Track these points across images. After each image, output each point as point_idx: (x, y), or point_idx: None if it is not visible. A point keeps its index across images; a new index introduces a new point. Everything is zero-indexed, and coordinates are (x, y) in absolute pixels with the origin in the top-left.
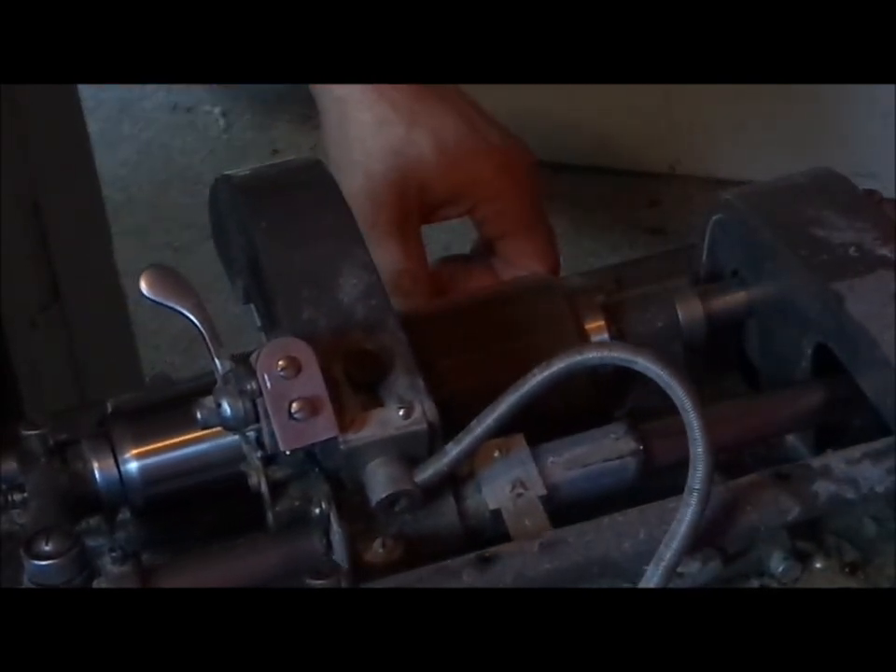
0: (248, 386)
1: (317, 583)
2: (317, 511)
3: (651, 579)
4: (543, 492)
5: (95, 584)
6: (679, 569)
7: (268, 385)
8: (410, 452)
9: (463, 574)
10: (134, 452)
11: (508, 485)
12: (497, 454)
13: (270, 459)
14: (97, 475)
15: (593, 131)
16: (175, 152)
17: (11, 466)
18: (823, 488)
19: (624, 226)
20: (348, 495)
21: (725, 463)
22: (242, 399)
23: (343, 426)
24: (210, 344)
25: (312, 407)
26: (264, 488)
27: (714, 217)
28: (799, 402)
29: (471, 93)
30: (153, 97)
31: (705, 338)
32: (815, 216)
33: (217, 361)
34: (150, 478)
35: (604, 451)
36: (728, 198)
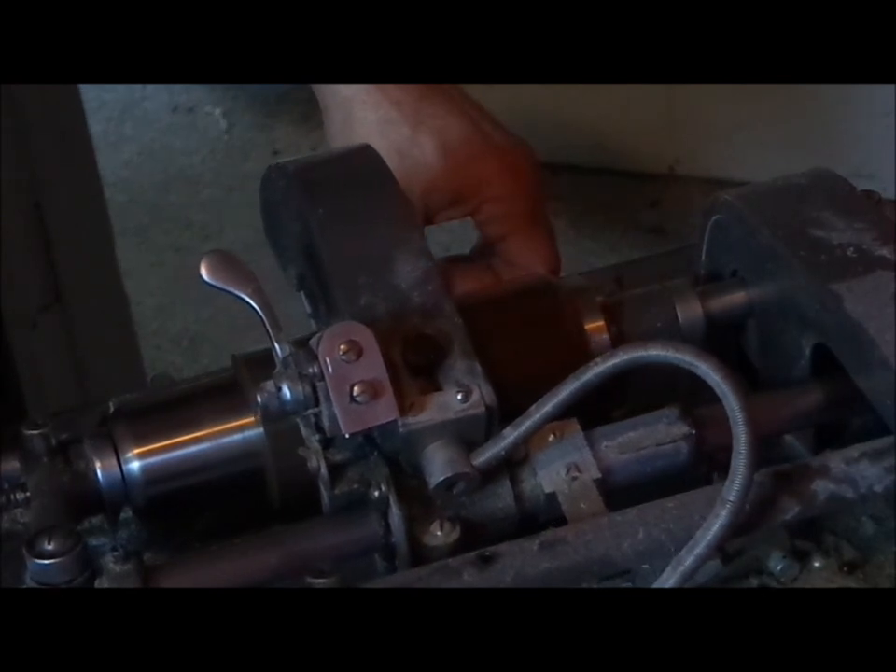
0: (309, 370)
1: (317, 583)
2: (376, 493)
3: (668, 581)
4: (598, 475)
5: (97, 584)
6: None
7: (329, 368)
8: (467, 435)
9: (463, 574)
10: (136, 451)
11: (563, 469)
12: (551, 437)
13: (327, 443)
14: (99, 474)
15: (593, 131)
16: (177, 153)
17: (13, 465)
18: (822, 487)
19: (624, 226)
20: (405, 478)
21: (724, 462)
22: (302, 383)
23: (403, 409)
24: (270, 329)
25: (373, 390)
26: (324, 471)
27: (713, 217)
28: (798, 402)
29: (471, 93)
30: (155, 98)
31: (704, 338)
32: (814, 216)
33: (276, 346)
34: (152, 477)
35: (657, 435)
36: (728, 198)
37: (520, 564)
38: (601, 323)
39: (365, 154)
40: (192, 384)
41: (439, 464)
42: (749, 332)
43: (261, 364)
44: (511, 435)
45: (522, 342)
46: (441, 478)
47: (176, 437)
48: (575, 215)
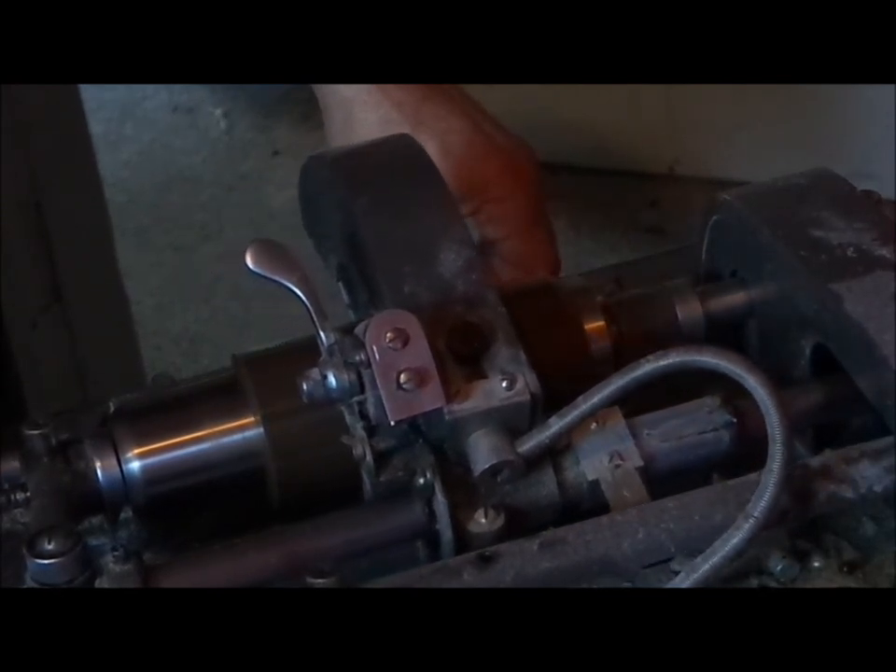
0: (355, 358)
1: (317, 583)
2: (421, 481)
3: (680, 585)
4: (640, 463)
5: (97, 584)
6: (679, 569)
7: (376, 356)
8: (512, 423)
9: (463, 574)
10: (137, 451)
11: (606, 457)
12: (593, 426)
13: (372, 430)
14: (99, 474)
15: (593, 131)
16: (177, 153)
17: (14, 465)
18: (822, 487)
19: (624, 226)
20: (450, 465)
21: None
22: (347, 371)
23: (448, 396)
24: (315, 318)
25: (419, 378)
26: (369, 458)
27: (713, 217)
28: (798, 402)
29: (471, 93)
30: (155, 98)
31: (704, 338)
32: (814, 216)
33: (322, 334)
34: (152, 477)
35: (699, 423)
36: (727, 198)
37: (520, 564)
38: (601, 323)
39: (405, 143)
40: (193, 383)
41: (484, 451)
42: (749, 332)
43: (262, 364)
44: (556, 424)
45: (522, 342)
46: (486, 465)
47: (177, 437)
48: (575, 215)
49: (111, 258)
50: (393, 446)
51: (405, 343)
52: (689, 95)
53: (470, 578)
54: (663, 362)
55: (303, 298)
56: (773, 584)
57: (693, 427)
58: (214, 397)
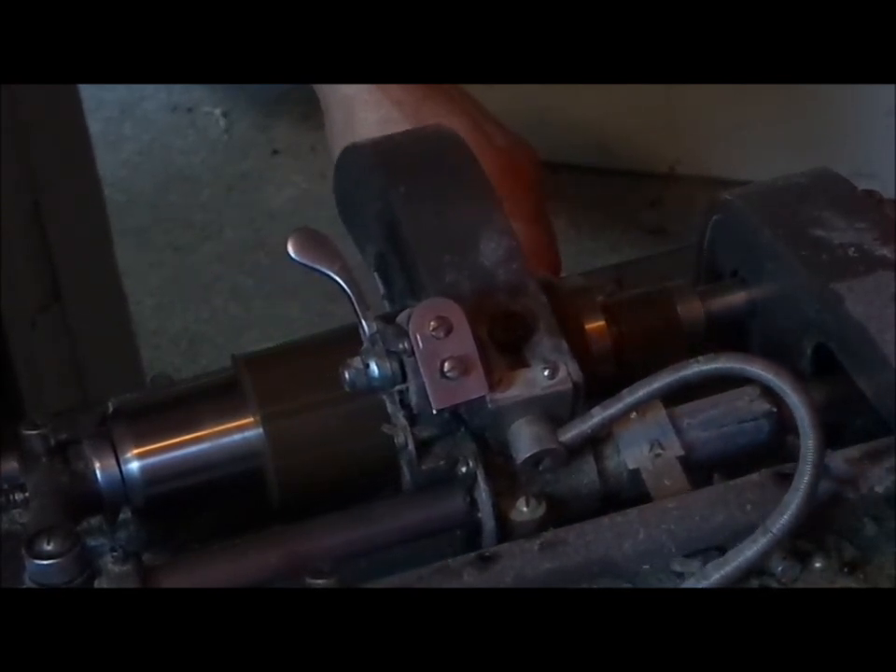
0: (398, 346)
1: (317, 583)
2: (463, 469)
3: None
4: (681, 452)
5: (96, 584)
6: (679, 569)
7: (420, 344)
8: (553, 411)
9: (463, 574)
10: (136, 451)
11: (646, 446)
12: (633, 415)
13: (413, 419)
14: (98, 475)
15: (593, 131)
16: (176, 153)
17: (12, 465)
18: (823, 488)
19: (624, 226)
20: (491, 454)
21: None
22: (389, 360)
23: (491, 385)
24: (357, 307)
25: (463, 366)
26: (411, 447)
27: (714, 217)
28: None
29: (472, 93)
30: (154, 98)
31: (704, 338)
32: (815, 216)
33: (364, 323)
34: (151, 477)
35: (739, 412)
36: (728, 198)
37: (520, 564)
38: (602, 323)
39: (444, 132)
40: (192, 384)
41: (526, 440)
42: (750, 332)
43: (261, 364)
44: (598, 415)
45: None
46: (529, 453)
47: (176, 437)
48: (575, 214)
49: (110, 257)
50: (435, 435)
51: (448, 331)
52: (689, 95)
53: (470, 578)
54: (711, 366)
55: (345, 287)
56: (774, 585)
57: (733, 416)
58: (213, 397)
